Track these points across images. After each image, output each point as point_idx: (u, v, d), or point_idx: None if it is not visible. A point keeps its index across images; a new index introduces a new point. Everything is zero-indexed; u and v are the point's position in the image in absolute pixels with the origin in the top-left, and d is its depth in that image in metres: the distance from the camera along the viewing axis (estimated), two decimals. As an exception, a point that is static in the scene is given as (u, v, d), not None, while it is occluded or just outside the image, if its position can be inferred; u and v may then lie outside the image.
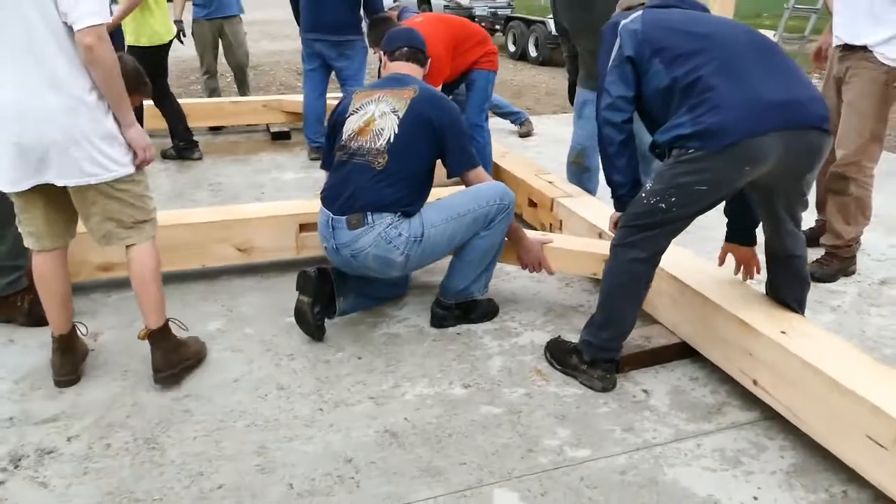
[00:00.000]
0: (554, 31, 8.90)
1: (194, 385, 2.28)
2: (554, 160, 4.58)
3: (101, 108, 2.01)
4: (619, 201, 2.16)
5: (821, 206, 3.38)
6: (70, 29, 1.89)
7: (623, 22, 2.08)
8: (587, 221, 3.01)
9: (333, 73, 4.67)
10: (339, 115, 2.57)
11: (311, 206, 3.06)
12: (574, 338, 2.53)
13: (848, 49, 2.98)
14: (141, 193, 2.19)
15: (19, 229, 2.22)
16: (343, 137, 2.49)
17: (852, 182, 3.06)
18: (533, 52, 11.91)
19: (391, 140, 2.39)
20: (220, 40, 5.80)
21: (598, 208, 3.15)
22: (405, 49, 2.62)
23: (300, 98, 5.08)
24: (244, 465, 1.91)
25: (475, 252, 2.51)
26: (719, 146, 1.86)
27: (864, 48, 2.89)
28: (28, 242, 2.20)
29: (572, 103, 3.53)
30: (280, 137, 5.54)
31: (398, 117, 2.42)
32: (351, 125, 2.49)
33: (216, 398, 2.21)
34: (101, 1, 1.92)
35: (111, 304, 2.83)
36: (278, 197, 4.16)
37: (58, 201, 2.14)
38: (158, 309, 2.26)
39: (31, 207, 2.13)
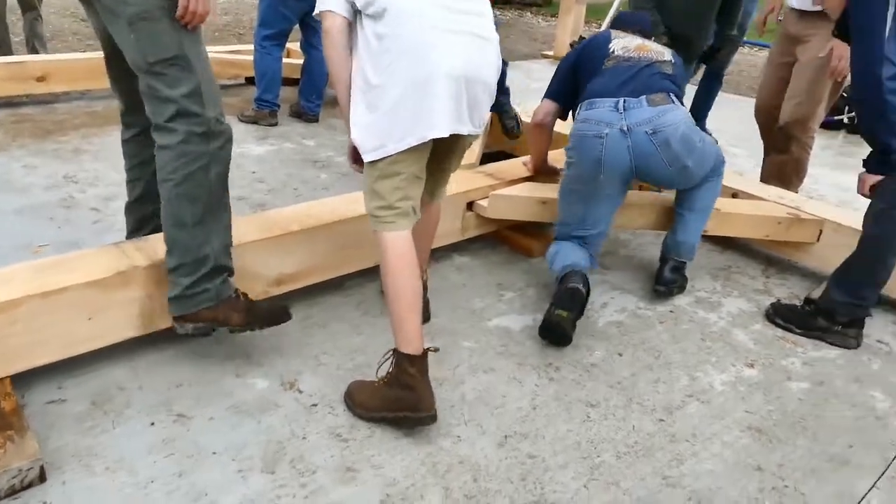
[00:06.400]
0: None
1: (548, 441, 1.86)
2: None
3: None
4: (891, 165, 2.21)
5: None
6: None
7: None
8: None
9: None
10: (592, 47, 2.52)
11: (478, 180, 2.72)
12: (763, 300, 2.61)
13: (806, 12, 3.12)
14: None
15: (393, 205, 1.79)
16: (614, 52, 2.44)
17: (795, 141, 3.23)
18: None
19: (673, 60, 2.46)
20: None
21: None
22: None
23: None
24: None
25: (711, 196, 2.52)
26: None
27: (821, 12, 2.89)
28: (401, 222, 1.80)
29: None
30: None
31: (667, 48, 2.54)
32: (620, 45, 2.47)
33: (593, 444, 1.84)
34: None
35: (266, 340, 2.15)
36: (285, 177, 3.47)
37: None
38: None
39: (421, 169, 1.84)
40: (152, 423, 1.77)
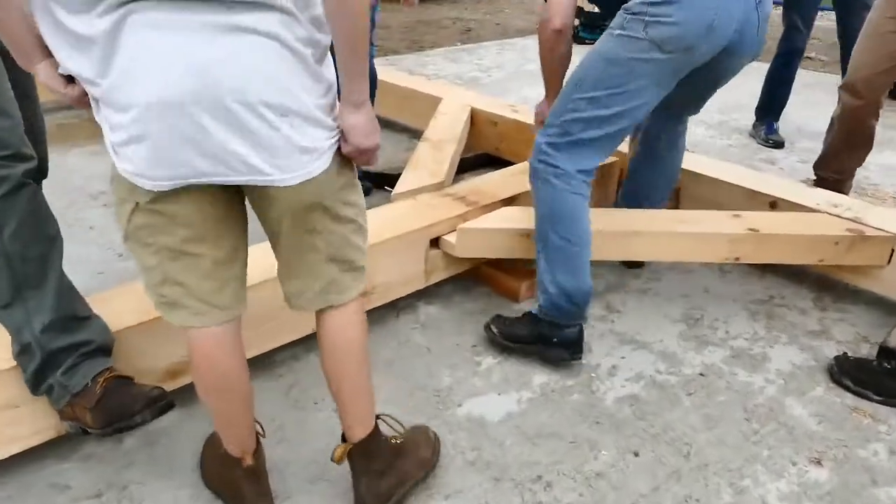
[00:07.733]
0: None
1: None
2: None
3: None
4: None
5: None
6: None
7: None
8: (741, 187, 2.37)
9: None
10: None
11: (444, 207, 2.14)
12: (821, 347, 2.01)
13: None
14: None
15: (158, 292, 1.24)
16: None
17: None
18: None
19: None
20: None
21: (738, 170, 2.56)
22: None
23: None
24: None
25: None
26: None
27: None
28: (180, 316, 1.26)
29: None
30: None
31: None
32: None
33: None
34: None
35: (152, 456, 1.59)
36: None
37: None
38: (371, 407, 1.41)
39: (194, 240, 1.21)
40: None
